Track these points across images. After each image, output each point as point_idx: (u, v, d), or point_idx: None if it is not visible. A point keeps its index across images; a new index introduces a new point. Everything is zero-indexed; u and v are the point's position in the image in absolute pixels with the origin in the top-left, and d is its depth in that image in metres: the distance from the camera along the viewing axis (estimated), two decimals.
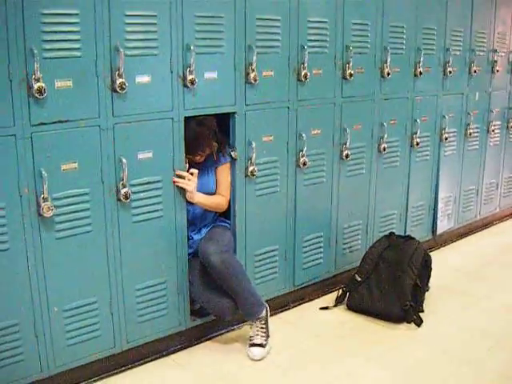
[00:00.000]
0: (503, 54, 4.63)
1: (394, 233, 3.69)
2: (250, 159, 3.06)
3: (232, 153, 3.02)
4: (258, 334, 3.00)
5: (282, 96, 3.16)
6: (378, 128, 3.73)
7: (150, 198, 2.73)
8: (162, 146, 2.72)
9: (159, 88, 2.66)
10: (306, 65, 3.17)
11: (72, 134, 2.43)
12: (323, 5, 3.25)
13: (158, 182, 2.74)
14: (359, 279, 3.44)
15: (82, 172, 2.48)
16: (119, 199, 2.61)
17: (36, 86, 2.25)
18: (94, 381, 2.74)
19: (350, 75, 3.41)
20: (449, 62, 4.08)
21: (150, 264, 2.80)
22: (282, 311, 3.44)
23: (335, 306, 3.52)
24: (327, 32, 3.29)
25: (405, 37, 3.74)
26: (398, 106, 3.84)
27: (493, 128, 4.70)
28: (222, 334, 3.20)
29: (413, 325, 3.27)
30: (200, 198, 2.92)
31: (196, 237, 3.07)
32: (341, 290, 3.54)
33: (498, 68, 4.56)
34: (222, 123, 3.01)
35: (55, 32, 2.31)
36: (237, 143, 3.02)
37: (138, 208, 2.70)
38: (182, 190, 2.83)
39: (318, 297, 3.66)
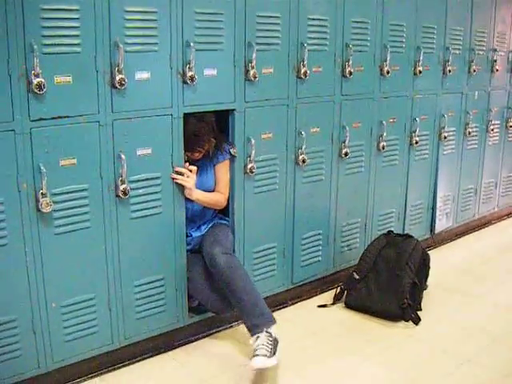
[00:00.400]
0: (503, 54, 4.63)
1: (392, 231, 3.70)
2: (249, 156, 3.06)
3: (231, 150, 3.02)
4: (262, 348, 2.68)
5: (282, 93, 3.16)
6: (378, 126, 3.73)
7: (149, 194, 2.73)
8: (161, 142, 2.72)
9: (159, 84, 2.66)
10: (305, 62, 3.17)
11: (71, 129, 2.42)
12: (323, 2, 3.24)
13: (156, 178, 2.74)
14: (357, 277, 3.44)
15: (80, 168, 2.48)
16: (118, 195, 2.60)
17: (35, 81, 2.25)
18: (92, 377, 2.74)
19: (350, 73, 3.41)
20: (448, 60, 4.08)
21: (149, 260, 2.80)
22: (280, 309, 3.44)
23: (333, 303, 3.53)
24: (327, 30, 3.29)
25: (405, 35, 3.74)
26: (397, 105, 3.84)
27: (492, 127, 4.70)
28: (220, 330, 3.20)
29: (411, 323, 3.27)
30: (198, 195, 2.92)
31: (195, 234, 3.06)
32: (339, 288, 3.54)
33: (497, 67, 4.56)
34: (219, 120, 3.00)
35: (55, 27, 2.30)
36: (236, 140, 3.02)
37: (137, 204, 2.69)
38: (181, 187, 2.83)
39: (316, 294, 3.67)
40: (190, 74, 2.71)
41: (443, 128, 4.22)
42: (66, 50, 2.35)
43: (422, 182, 4.23)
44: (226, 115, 3.00)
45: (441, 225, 4.47)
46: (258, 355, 2.64)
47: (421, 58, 3.85)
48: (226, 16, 2.83)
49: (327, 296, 3.64)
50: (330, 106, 3.42)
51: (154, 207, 2.76)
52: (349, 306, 3.47)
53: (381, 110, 3.72)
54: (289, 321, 3.31)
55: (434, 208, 4.37)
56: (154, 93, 2.65)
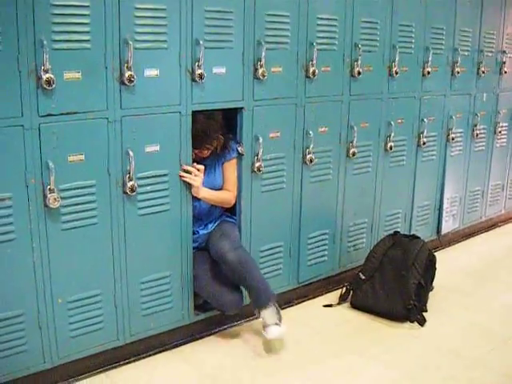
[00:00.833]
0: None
1: (398, 232, 3.69)
2: (257, 155, 3.06)
3: (239, 148, 3.02)
4: (271, 317, 2.92)
5: (290, 92, 3.16)
6: (385, 127, 3.72)
7: (157, 191, 2.73)
8: (170, 139, 2.72)
9: (167, 81, 2.66)
10: (314, 62, 3.17)
11: (80, 125, 2.43)
12: (333, 2, 3.24)
13: (164, 175, 2.74)
14: (363, 277, 3.43)
15: (88, 164, 2.48)
16: (125, 192, 2.61)
17: (45, 77, 2.25)
18: (97, 373, 2.75)
19: (359, 73, 3.41)
20: (457, 62, 4.07)
21: (155, 257, 2.80)
22: (285, 308, 3.42)
23: (339, 303, 3.52)
24: (336, 29, 3.29)
25: (413, 36, 3.73)
26: (405, 105, 3.83)
27: (500, 129, 4.69)
28: (226, 328, 3.20)
29: (416, 324, 3.26)
30: (205, 194, 2.92)
31: (202, 231, 3.07)
32: (345, 288, 3.54)
33: (506, 69, 4.54)
34: (227, 119, 3.00)
35: (65, 23, 2.31)
36: (244, 139, 3.02)
37: (144, 201, 2.70)
38: (189, 185, 2.83)
39: (322, 294, 3.66)
40: (198, 71, 2.71)
41: (451, 129, 4.21)
42: (76, 47, 2.35)
43: (429, 183, 4.22)
44: (234, 113, 3.00)
45: (447, 226, 4.46)
46: (269, 324, 2.90)
47: (429, 58, 3.84)
48: (236, 14, 2.83)
49: (333, 296, 3.63)
50: (338, 106, 3.42)
51: (161, 204, 2.76)
52: (354, 306, 3.47)
53: (389, 110, 3.72)
54: (294, 320, 3.31)
55: (440, 209, 4.36)
56: (163, 90, 2.65)
